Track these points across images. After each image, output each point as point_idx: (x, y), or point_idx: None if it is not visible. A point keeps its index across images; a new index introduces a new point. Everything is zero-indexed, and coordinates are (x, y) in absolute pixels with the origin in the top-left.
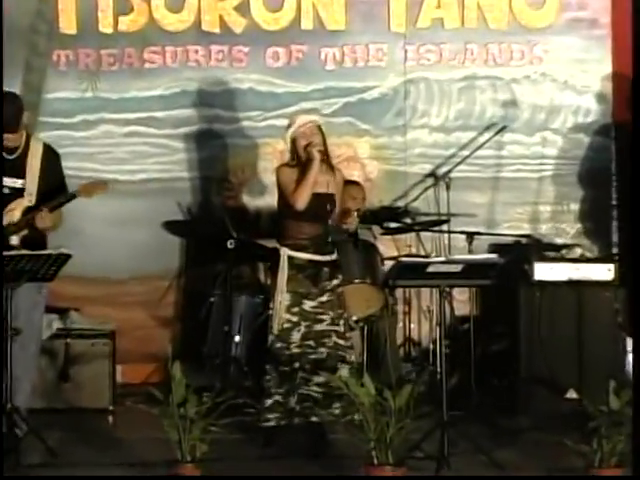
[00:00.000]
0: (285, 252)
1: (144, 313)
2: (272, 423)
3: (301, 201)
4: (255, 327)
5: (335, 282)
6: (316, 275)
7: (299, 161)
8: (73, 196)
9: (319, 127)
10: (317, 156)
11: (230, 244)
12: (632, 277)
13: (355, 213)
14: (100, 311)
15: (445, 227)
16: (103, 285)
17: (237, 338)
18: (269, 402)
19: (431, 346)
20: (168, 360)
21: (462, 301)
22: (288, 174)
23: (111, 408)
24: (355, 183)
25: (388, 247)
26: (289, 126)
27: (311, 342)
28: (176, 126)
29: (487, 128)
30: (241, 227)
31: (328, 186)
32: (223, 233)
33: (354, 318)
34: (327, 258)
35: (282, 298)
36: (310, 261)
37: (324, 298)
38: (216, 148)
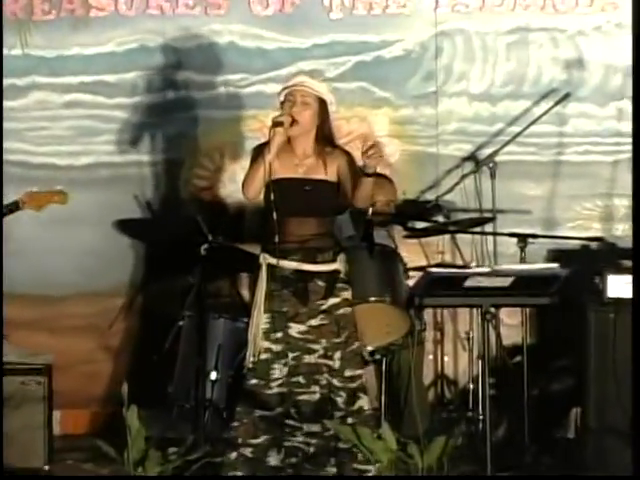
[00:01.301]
0: (265, 259)
1: (90, 342)
2: None
3: (249, 189)
4: (238, 360)
5: (333, 301)
6: (306, 290)
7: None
8: (16, 206)
9: (318, 98)
10: (272, 131)
11: (204, 250)
12: None
13: (370, 209)
14: (33, 339)
15: (489, 228)
16: (37, 304)
17: (214, 375)
18: (233, 455)
19: (471, 386)
20: (122, 404)
21: (512, 326)
22: (257, 155)
23: (47, 468)
24: (380, 175)
25: (414, 254)
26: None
27: (300, 378)
28: (132, 94)
29: (545, 96)
30: (219, 227)
31: (326, 171)
32: (195, 235)
33: (369, 348)
34: (322, 268)
35: (259, 320)
36: (298, 272)
37: (316, 321)
38: (186, 123)
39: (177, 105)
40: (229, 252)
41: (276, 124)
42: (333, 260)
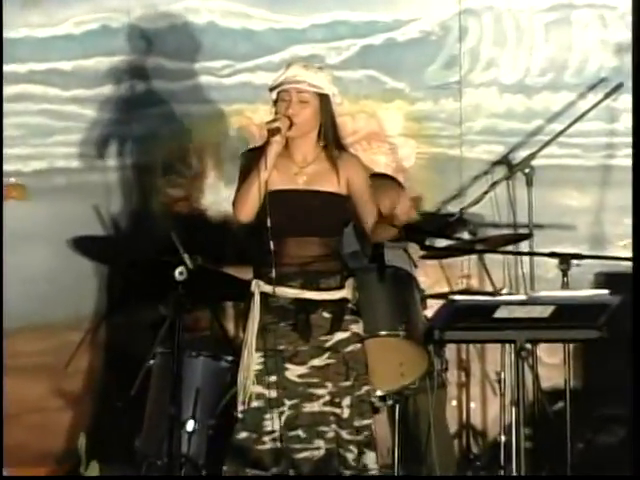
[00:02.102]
0: (258, 286)
1: (42, 385)
2: None
3: (242, 210)
4: (221, 408)
5: (341, 336)
6: (307, 323)
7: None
8: None
9: (318, 93)
10: (269, 140)
11: (180, 274)
12: None
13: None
14: None
15: (525, 246)
16: None
17: (191, 425)
18: None
19: (502, 437)
20: (80, 461)
21: (553, 365)
22: (247, 165)
23: None
24: (382, 176)
25: (433, 278)
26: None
27: (299, 432)
28: (93, 85)
29: (592, 87)
30: (198, 246)
31: (332, 181)
32: (168, 256)
33: (379, 393)
34: (327, 296)
35: (250, 360)
36: (298, 301)
37: (320, 361)
38: (157, 120)
39: (146, 99)
40: (210, 276)
41: (272, 132)
42: (340, 287)
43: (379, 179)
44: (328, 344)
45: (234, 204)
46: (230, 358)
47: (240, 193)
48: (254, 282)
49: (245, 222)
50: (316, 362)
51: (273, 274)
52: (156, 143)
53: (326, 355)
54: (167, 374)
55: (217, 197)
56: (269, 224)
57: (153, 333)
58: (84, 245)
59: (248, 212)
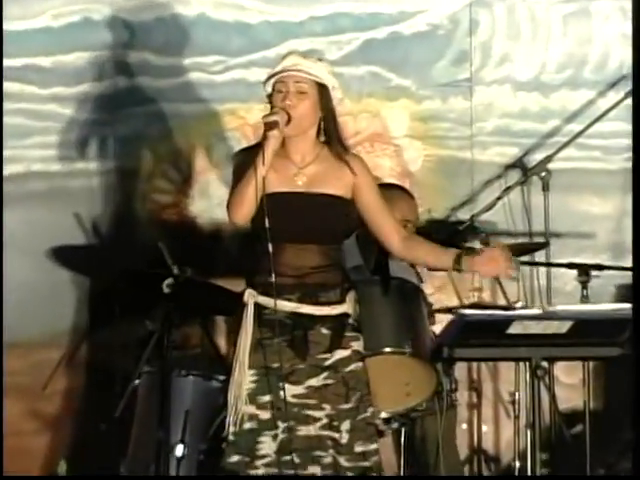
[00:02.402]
0: (251, 297)
1: (18, 406)
2: None
3: (237, 212)
4: (213, 431)
5: (341, 354)
6: (305, 340)
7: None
8: None
9: (317, 84)
10: (266, 134)
11: (168, 286)
12: None
13: None
14: None
15: (541, 256)
16: None
17: (180, 449)
18: None
19: (517, 463)
20: None
21: (571, 385)
22: (242, 165)
23: None
24: (390, 186)
25: (442, 291)
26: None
27: (294, 456)
28: (73, 82)
29: (613, 85)
30: (187, 257)
31: (334, 182)
32: (155, 267)
33: (383, 415)
34: (326, 311)
35: (242, 378)
36: (295, 315)
37: (318, 381)
38: (143, 120)
39: (131, 97)
40: (200, 289)
41: (269, 126)
42: (341, 301)
43: (387, 189)
44: (327, 363)
45: (228, 206)
46: (222, 377)
47: (235, 193)
48: (247, 292)
49: (240, 225)
50: (314, 382)
51: (273, 278)
52: (142, 145)
53: (324, 375)
54: (154, 395)
55: (208, 204)
56: (267, 224)
57: (139, 350)
58: (64, 255)
59: (244, 214)
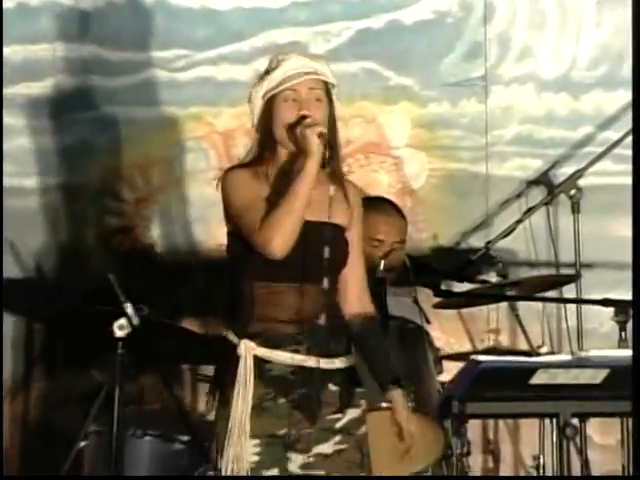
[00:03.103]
0: (249, 349)
1: None
2: None
3: (279, 243)
4: None
5: (353, 414)
6: (313, 399)
7: (271, 156)
8: None
9: (326, 85)
10: (317, 147)
11: (120, 328)
12: None
13: (382, 262)
14: None
15: (570, 291)
16: None
17: None
18: None
19: None
20: None
21: (606, 447)
22: (249, 186)
23: None
24: (381, 200)
25: (451, 333)
26: (266, 74)
27: None
28: (7, 82)
29: None
30: (144, 293)
31: (340, 209)
32: (105, 305)
33: None
34: (336, 363)
35: (244, 450)
36: (301, 369)
37: (329, 447)
38: (92, 127)
39: (78, 100)
40: (160, 332)
41: (320, 137)
42: (348, 350)
43: (370, 202)
44: (338, 425)
45: (265, 235)
46: (185, 438)
47: (274, 223)
48: (242, 343)
49: (278, 256)
50: (324, 448)
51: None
52: (90, 157)
53: (336, 439)
54: (103, 458)
55: (169, 228)
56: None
57: (85, 406)
58: None
59: (287, 246)
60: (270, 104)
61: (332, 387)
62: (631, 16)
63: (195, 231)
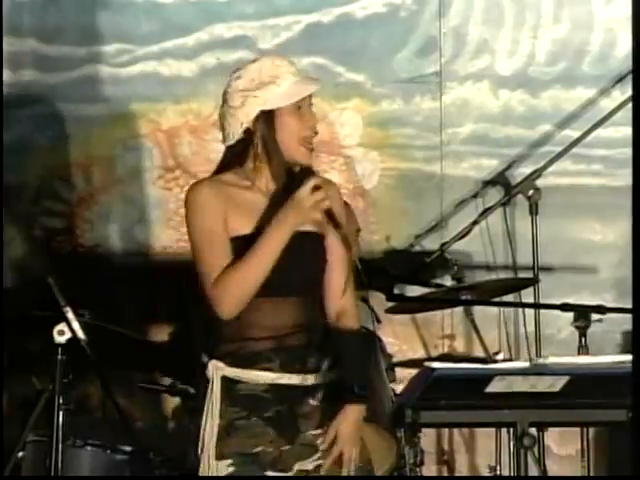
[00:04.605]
0: (216, 370)
1: None
2: None
3: (228, 308)
4: None
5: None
6: (292, 416)
7: (255, 172)
8: None
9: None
10: (313, 213)
11: (60, 333)
12: None
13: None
14: None
15: (528, 296)
16: None
17: None
18: None
19: None
20: None
21: (566, 457)
22: (212, 211)
23: None
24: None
25: (404, 339)
26: (266, 83)
27: None
28: None
29: (619, 81)
30: (85, 297)
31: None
32: (45, 309)
33: None
34: (311, 380)
35: (211, 469)
36: (277, 387)
37: (310, 463)
38: (30, 125)
39: (16, 96)
40: (103, 338)
41: (314, 208)
42: (319, 366)
43: None
44: (320, 440)
45: (217, 296)
46: (129, 449)
47: (228, 281)
48: (211, 364)
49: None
50: (306, 465)
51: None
52: (28, 156)
53: (317, 455)
54: (42, 469)
55: (110, 230)
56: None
57: (23, 415)
58: None
59: (238, 309)
60: (274, 114)
61: (312, 402)
62: (631, 16)
63: (138, 233)
